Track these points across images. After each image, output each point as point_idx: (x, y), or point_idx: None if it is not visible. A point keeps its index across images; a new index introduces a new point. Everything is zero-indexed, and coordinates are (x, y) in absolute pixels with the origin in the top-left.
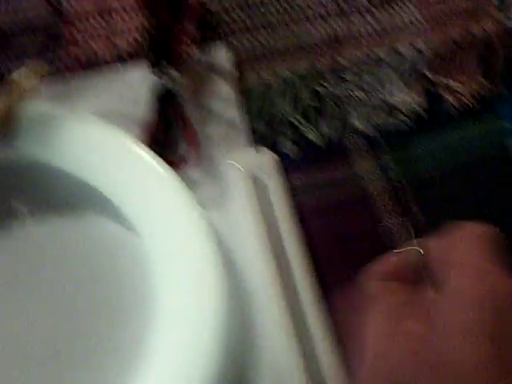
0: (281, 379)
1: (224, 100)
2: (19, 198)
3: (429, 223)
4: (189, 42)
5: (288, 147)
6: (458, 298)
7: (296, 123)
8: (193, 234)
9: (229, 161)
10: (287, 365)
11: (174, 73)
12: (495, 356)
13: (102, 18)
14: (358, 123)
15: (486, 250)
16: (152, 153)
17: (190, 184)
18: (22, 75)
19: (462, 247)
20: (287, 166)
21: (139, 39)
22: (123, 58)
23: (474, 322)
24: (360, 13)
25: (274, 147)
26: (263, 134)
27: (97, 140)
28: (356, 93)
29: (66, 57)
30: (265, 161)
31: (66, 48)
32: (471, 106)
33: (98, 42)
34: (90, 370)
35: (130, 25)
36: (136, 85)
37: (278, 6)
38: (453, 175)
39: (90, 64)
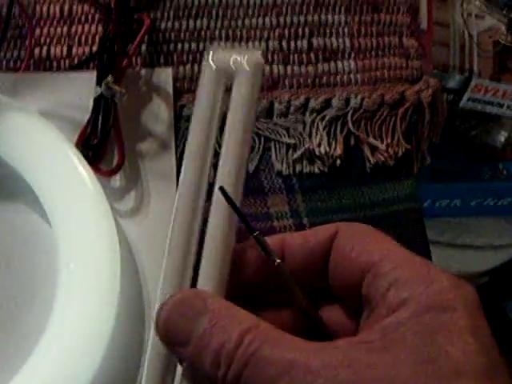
0: None
1: (159, 119)
2: None
3: None
4: (136, 61)
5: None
6: None
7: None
8: (97, 231)
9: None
10: None
11: (114, 85)
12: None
13: (65, 25)
14: (277, 163)
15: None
16: (78, 154)
17: (112, 192)
18: None
19: None
20: None
21: (93, 49)
22: (76, 66)
23: None
24: (302, 62)
25: None
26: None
27: (33, 135)
28: (284, 138)
29: (27, 56)
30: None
31: (27, 48)
32: (388, 164)
33: (58, 48)
34: None
35: (89, 37)
36: (82, 92)
37: (227, 45)
38: None
39: (46, 67)
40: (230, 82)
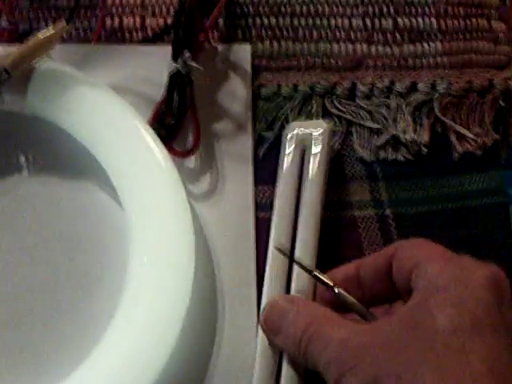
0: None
1: (236, 98)
2: (23, 150)
3: None
4: (213, 36)
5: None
6: None
7: None
8: (171, 215)
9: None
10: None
11: (192, 62)
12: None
13: None
14: (359, 148)
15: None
16: (152, 133)
17: (186, 173)
18: (43, 32)
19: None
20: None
21: (168, 23)
22: (149, 39)
23: None
24: (387, 43)
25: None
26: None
27: (105, 111)
28: (366, 121)
29: (98, 27)
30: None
31: (99, 18)
32: (476, 154)
33: (130, 19)
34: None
35: (163, 7)
36: (156, 67)
37: (308, 21)
38: (443, 218)
39: (118, 38)
40: (305, 149)
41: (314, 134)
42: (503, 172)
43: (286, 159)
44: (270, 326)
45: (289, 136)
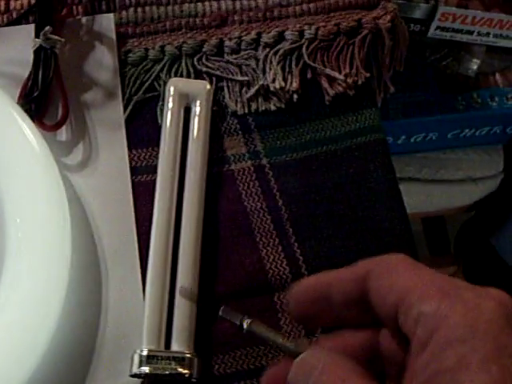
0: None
1: (103, 67)
2: None
3: (290, 210)
4: (77, 10)
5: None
6: None
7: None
8: (42, 186)
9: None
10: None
11: (54, 36)
12: None
13: None
14: (231, 103)
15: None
16: (19, 109)
17: (59, 146)
18: None
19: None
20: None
21: (31, 2)
22: (14, 21)
23: None
24: None
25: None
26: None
27: None
28: (236, 76)
29: None
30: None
31: None
32: (349, 95)
33: None
34: None
35: None
36: (21, 46)
37: None
38: (320, 162)
39: None
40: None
41: (196, 94)
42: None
43: (168, 117)
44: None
45: (170, 93)
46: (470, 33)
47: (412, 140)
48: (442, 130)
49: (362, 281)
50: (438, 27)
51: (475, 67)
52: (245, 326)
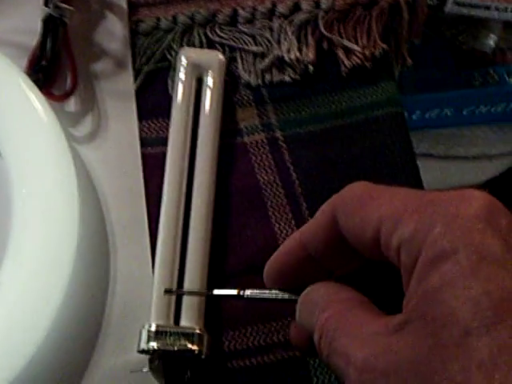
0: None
1: (114, 37)
2: None
3: (304, 184)
4: None
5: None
6: None
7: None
8: (49, 157)
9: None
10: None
11: (63, 5)
12: None
13: None
14: (244, 74)
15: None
16: (27, 79)
17: (68, 117)
18: None
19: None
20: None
21: None
22: None
23: None
24: None
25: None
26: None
27: None
28: (250, 46)
29: None
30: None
31: None
32: (366, 67)
33: None
34: None
35: None
36: (30, 15)
37: None
38: (335, 135)
39: None
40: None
41: (208, 64)
42: (415, 96)
43: (179, 88)
44: (304, 316)
45: (182, 63)
46: (488, 8)
47: (427, 116)
48: (457, 105)
49: (333, 225)
50: (454, 2)
51: (492, 43)
52: (242, 293)
